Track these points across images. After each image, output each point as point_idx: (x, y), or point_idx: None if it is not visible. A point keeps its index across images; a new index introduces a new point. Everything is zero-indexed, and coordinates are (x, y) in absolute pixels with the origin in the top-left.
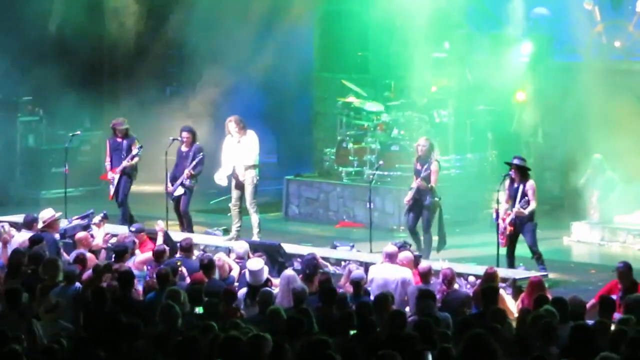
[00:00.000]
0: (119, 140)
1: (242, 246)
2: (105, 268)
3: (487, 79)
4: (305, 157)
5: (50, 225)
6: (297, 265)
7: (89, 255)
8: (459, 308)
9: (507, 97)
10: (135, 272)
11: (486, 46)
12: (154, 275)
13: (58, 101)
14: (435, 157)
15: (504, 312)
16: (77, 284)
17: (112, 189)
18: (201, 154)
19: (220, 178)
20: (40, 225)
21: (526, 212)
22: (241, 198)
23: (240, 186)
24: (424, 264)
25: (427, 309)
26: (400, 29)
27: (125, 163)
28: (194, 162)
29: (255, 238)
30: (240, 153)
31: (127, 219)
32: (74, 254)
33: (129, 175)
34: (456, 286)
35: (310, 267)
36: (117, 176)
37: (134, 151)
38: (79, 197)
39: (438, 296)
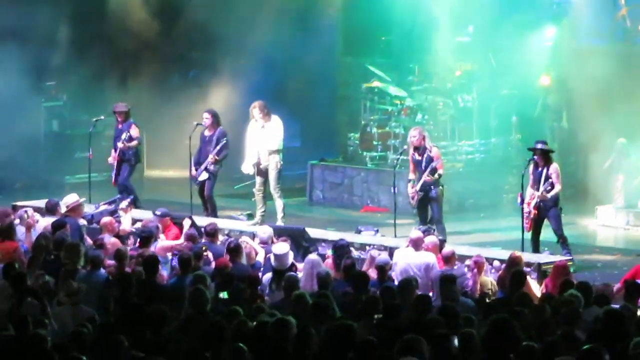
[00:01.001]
0: (120, 126)
1: (265, 231)
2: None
3: (511, 63)
4: (329, 141)
5: (74, 210)
6: (321, 249)
7: (113, 240)
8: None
9: (531, 81)
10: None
11: (510, 30)
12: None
13: (82, 86)
14: (431, 143)
15: (529, 296)
16: (102, 270)
17: (113, 175)
18: (225, 138)
19: (247, 168)
20: (63, 210)
21: (549, 195)
22: (265, 183)
23: (264, 171)
24: (447, 249)
25: (450, 294)
26: (424, 13)
27: (119, 145)
28: (217, 147)
29: (280, 223)
30: (264, 138)
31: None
32: (99, 239)
33: (127, 160)
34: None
35: (341, 252)
36: (115, 162)
37: (124, 135)
38: (103, 182)
39: (470, 282)
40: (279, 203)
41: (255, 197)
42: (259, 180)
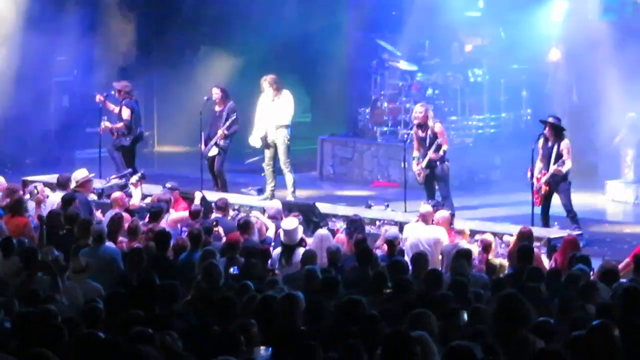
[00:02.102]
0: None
1: (273, 206)
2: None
3: (521, 38)
4: (340, 116)
5: (83, 185)
6: (331, 224)
7: (124, 215)
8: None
9: (541, 56)
10: (169, 230)
11: (520, 5)
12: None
13: (92, 61)
14: (434, 118)
15: (540, 270)
16: (107, 244)
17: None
18: (234, 113)
19: (255, 140)
20: (73, 185)
21: (563, 170)
22: (274, 157)
23: (272, 145)
24: (459, 223)
25: (460, 269)
26: None
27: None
28: (227, 122)
29: (290, 198)
30: (273, 112)
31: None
32: (109, 214)
33: (119, 139)
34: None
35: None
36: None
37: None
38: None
39: (477, 262)
40: (289, 178)
41: (264, 172)
42: (268, 154)
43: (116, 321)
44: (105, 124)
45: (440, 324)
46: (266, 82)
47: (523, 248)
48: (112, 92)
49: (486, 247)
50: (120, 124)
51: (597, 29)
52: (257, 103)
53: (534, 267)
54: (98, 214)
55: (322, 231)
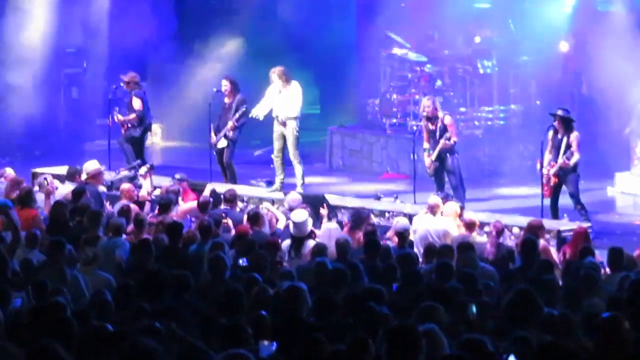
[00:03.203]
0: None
1: (295, 198)
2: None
3: (530, 30)
4: (349, 108)
5: (94, 177)
6: (340, 216)
7: (132, 207)
8: None
9: (551, 47)
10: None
11: None
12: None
13: (102, 53)
14: (444, 110)
15: (550, 263)
16: (123, 236)
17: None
18: (244, 105)
19: (257, 112)
20: (84, 176)
21: (571, 163)
22: (283, 149)
23: (281, 137)
24: (468, 215)
25: (469, 261)
26: None
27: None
28: (237, 114)
29: (299, 189)
30: (282, 104)
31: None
32: (118, 206)
33: (129, 131)
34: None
35: (356, 219)
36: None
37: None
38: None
39: (488, 246)
40: (298, 169)
41: (274, 164)
42: (276, 146)
43: (125, 312)
44: (118, 116)
45: (449, 317)
46: (275, 74)
47: (526, 240)
48: (121, 85)
49: (499, 232)
50: (132, 115)
51: (606, 20)
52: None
53: (545, 260)
54: (107, 205)
55: (331, 224)
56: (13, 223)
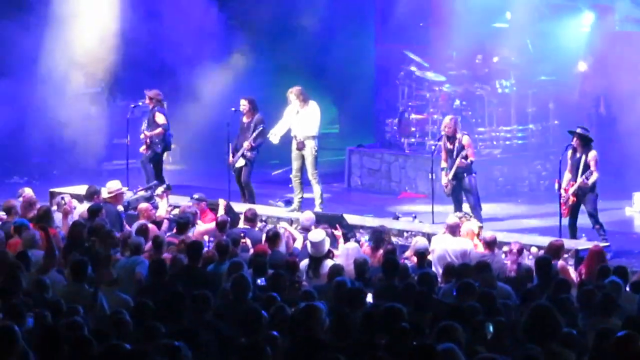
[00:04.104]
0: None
1: (308, 217)
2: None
3: (548, 50)
4: (367, 127)
5: (115, 197)
6: (359, 236)
7: (150, 226)
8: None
9: (569, 67)
10: None
11: (547, 16)
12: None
13: (119, 72)
14: (462, 130)
15: (567, 282)
16: (142, 256)
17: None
18: (262, 125)
19: (273, 135)
20: (105, 195)
21: (590, 182)
22: (302, 169)
23: (300, 156)
24: (488, 234)
25: (487, 280)
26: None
27: (142, 135)
28: (254, 134)
29: (318, 209)
30: (300, 123)
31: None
32: (135, 225)
33: (153, 148)
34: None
35: (376, 238)
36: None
37: (144, 125)
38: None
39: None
40: (316, 189)
41: (292, 183)
42: (295, 165)
43: (143, 332)
44: (145, 132)
45: (467, 335)
46: (292, 94)
47: (541, 259)
48: (140, 104)
49: (519, 250)
50: (158, 130)
51: (624, 40)
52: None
53: (561, 279)
54: (125, 225)
55: (351, 244)
56: (51, 242)
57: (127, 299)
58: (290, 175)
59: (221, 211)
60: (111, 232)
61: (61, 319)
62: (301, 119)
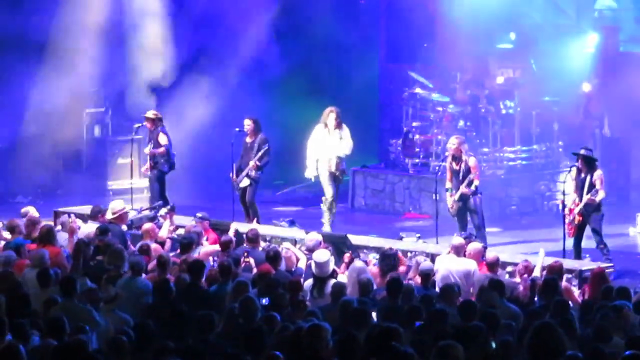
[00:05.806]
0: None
1: (312, 238)
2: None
3: (552, 70)
4: (371, 148)
5: (120, 217)
6: (363, 256)
7: (154, 246)
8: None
9: (573, 88)
10: None
11: (552, 37)
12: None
13: (123, 92)
14: (468, 152)
15: (566, 303)
16: (143, 276)
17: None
18: (266, 145)
19: (311, 173)
20: (110, 215)
21: (597, 200)
22: (336, 193)
23: (334, 178)
24: (491, 255)
25: (491, 300)
26: (466, 20)
27: (145, 151)
28: (259, 154)
29: (327, 228)
30: (339, 145)
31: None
32: (139, 245)
33: (158, 168)
34: None
35: (387, 263)
36: (149, 172)
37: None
38: (145, 189)
39: (521, 288)
40: (334, 208)
41: (326, 206)
42: (332, 190)
43: (145, 353)
44: (149, 147)
45: (468, 355)
46: (333, 113)
47: (547, 281)
48: (141, 125)
49: (529, 271)
50: (161, 149)
51: (628, 61)
52: (291, 133)
53: (560, 300)
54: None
55: (358, 263)
56: (64, 263)
57: (127, 318)
58: (323, 198)
59: (231, 233)
60: (122, 251)
61: (64, 337)
62: (339, 141)
